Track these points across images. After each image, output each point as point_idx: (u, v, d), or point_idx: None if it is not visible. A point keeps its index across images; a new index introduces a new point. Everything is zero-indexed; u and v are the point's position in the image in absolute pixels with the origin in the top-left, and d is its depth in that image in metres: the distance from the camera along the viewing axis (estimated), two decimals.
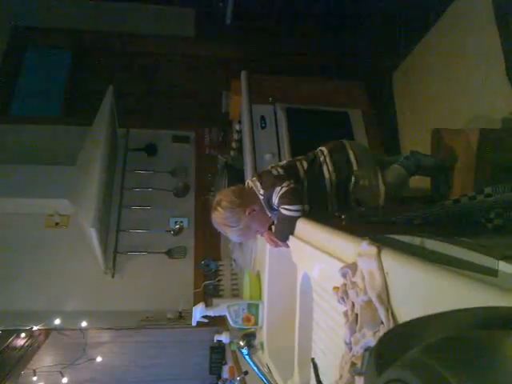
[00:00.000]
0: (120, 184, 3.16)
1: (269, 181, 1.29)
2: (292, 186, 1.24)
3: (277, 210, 1.27)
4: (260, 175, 1.36)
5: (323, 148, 1.43)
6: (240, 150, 2.65)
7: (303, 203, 1.23)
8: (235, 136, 2.78)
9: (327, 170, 1.36)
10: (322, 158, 1.40)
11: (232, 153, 2.99)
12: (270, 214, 1.31)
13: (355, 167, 1.37)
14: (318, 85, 2.66)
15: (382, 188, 1.38)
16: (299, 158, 1.43)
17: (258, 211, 1.30)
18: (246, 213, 1.28)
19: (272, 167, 1.39)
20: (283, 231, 1.25)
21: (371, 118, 2.54)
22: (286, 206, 1.20)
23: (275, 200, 1.23)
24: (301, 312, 1.18)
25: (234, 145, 2.88)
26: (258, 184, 1.30)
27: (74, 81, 3.63)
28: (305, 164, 1.38)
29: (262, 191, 1.28)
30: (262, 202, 1.29)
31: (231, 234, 1.32)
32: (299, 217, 1.20)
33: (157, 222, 3.11)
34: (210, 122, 3.48)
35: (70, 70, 3.65)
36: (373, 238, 0.73)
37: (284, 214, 1.21)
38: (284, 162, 1.46)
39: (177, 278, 2.98)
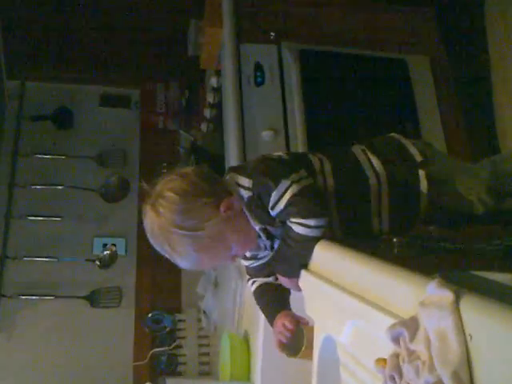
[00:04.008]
0: (8, 177, 3.14)
1: (263, 166, 1.27)
2: (308, 182, 1.23)
3: (271, 221, 1.26)
4: (243, 164, 1.35)
5: (361, 145, 1.44)
6: (218, 121, 2.64)
7: (327, 214, 1.23)
8: (210, 98, 2.78)
9: (369, 165, 1.36)
10: (357, 150, 1.40)
11: (204, 127, 2.99)
12: (255, 226, 1.29)
13: (419, 158, 1.37)
14: (356, 12, 2.68)
15: (484, 177, 1.38)
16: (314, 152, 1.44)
17: (238, 211, 1.27)
18: (221, 209, 1.24)
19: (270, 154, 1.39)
20: (293, 261, 1.25)
21: (446, 73, 2.56)
22: (302, 220, 1.19)
23: (278, 204, 1.21)
24: None
25: (207, 113, 2.88)
26: (239, 176, 1.28)
27: None
28: (323, 158, 1.37)
29: (247, 181, 1.26)
30: (245, 204, 1.27)
31: (185, 249, 1.25)
32: (321, 237, 1.20)
33: (71, 244, 3.10)
34: (166, 73, 3.49)
35: None
36: (445, 275, 0.73)
37: (296, 233, 1.21)
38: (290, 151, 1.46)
39: (105, 341, 2.97)
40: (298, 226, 1.20)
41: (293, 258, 1.25)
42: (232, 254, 1.32)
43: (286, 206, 1.20)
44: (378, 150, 1.39)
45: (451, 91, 2.54)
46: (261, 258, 1.42)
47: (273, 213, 1.24)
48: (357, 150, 1.41)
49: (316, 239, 1.20)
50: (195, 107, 3.32)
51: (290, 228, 1.21)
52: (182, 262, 1.29)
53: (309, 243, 1.20)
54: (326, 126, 2.34)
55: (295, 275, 1.26)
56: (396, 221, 1.35)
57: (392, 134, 1.47)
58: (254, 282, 1.46)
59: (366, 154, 1.38)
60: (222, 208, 1.25)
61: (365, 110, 2.39)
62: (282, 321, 1.36)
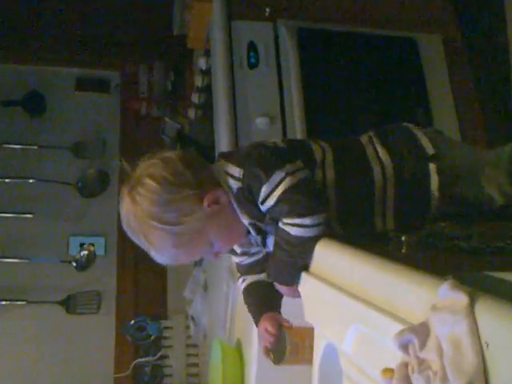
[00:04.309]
0: None
1: (255, 154, 1.26)
2: (303, 174, 1.22)
3: (261, 216, 1.26)
4: (235, 150, 1.35)
5: (369, 132, 1.45)
6: (207, 107, 2.64)
7: (324, 211, 1.22)
8: (198, 81, 2.78)
9: (375, 157, 1.36)
10: (364, 139, 1.41)
11: (191, 113, 2.98)
12: (244, 221, 1.29)
13: (431, 150, 1.36)
14: None
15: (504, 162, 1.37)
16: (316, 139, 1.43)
17: (225, 205, 1.27)
18: (205, 202, 1.25)
19: (262, 140, 1.40)
20: (292, 268, 1.23)
21: (461, 54, 2.55)
22: (296, 220, 1.18)
23: (269, 200, 1.21)
24: None
25: (195, 98, 2.88)
26: (229, 165, 1.28)
27: None
28: (326, 146, 1.37)
29: (237, 171, 1.26)
30: (233, 196, 1.27)
31: (161, 243, 1.26)
32: (320, 236, 1.19)
33: (44, 243, 3.11)
34: (149, 54, 3.48)
35: None
36: (459, 276, 0.74)
37: (292, 236, 1.19)
38: (286, 138, 1.45)
39: (83, 351, 2.97)
40: (292, 228, 1.19)
41: (291, 263, 1.23)
42: (214, 251, 1.32)
43: (276, 202, 1.19)
44: (386, 140, 1.39)
45: (466, 74, 2.54)
46: (253, 255, 1.42)
47: (263, 207, 1.23)
48: (364, 138, 1.41)
49: (314, 239, 1.19)
50: (182, 92, 3.32)
51: (284, 231, 1.20)
52: (158, 257, 1.30)
53: (307, 244, 1.19)
54: (327, 113, 2.34)
55: (295, 282, 1.25)
56: (401, 219, 1.35)
57: (404, 123, 1.46)
58: (244, 280, 1.47)
59: (372, 144, 1.38)
60: (206, 202, 1.25)
61: (370, 95, 2.39)
62: (264, 325, 1.37)
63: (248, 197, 1.24)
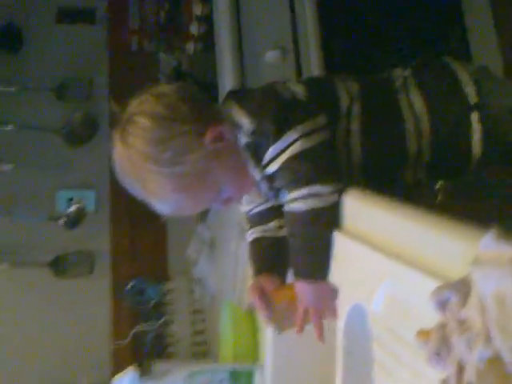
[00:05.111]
0: None
1: (268, 106, 1.25)
2: (321, 136, 1.20)
3: (265, 175, 1.26)
4: (248, 92, 1.36)
5: (405, 72, 1.42)
6: (209, 40, 2.63)
7: (340, 180, 1.19)
8: (197, 9, 2.76)
9: (408, 108, 1.35)
10: (399, 82, 1.40)
11: (190, 47, 2.97)
12: (255, 175, 1.30)
13: (473, 99, 1.34)
14: None
15: None
16: (342, 75, 1.42)
17: (231, 143, 1.27)
18: (206, 138, 1.25)
19: (279, 83, 1.38)
20: (311, 251, 1.21)
21: None
22: (303, 191, 1.15)
23: (273, 164, 1.21)
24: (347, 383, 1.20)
25: (194, 29, 2.86)
26: (238, 112, 1.27)
27: None
28: (354, 85, 1.37)
29: (247, 123, 1.24)
30: (244, 147, 1.27)
31: (160, 188, 1.26)
32: (337, 205, 1.16)
33: (28, 199, 3.13)
34: None
35: None
36: (505, 225, 0.74)
37: (299, 212, 1.17)
38: (308, 78, 1.42)
39: (75, 318, 3.01)
40: (300, 202, 1.16)
41: (311, 246, 1.21)
42: (223, 198, 1.32)
43: (278, 170, 1.19)
44: (423, 84, 1.38)
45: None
46: (264, 202, 1.43)
47: (266, 172, 1.24)
48: (398, 77, 1.40)
49: (330, 209, 1.16)
50: (179, 22, 3.29)
51: (291, 213, 1.18)
52: (159, 206, 1.30)
53: (322, 217, 1.17)
54: (347, 41, 2.32)
55: (322, 273, 1.21)
56: (436, 172, 1.35)
57: (445, 59, 1.44)
58: (252, 232, 1.47)
59: (406, 90, 1.37)
60: (207, 138, 1.24)
61: (398, 19, 2.36)
62: (250, 293, 1.36)
63: (255, 154, 1.25)
